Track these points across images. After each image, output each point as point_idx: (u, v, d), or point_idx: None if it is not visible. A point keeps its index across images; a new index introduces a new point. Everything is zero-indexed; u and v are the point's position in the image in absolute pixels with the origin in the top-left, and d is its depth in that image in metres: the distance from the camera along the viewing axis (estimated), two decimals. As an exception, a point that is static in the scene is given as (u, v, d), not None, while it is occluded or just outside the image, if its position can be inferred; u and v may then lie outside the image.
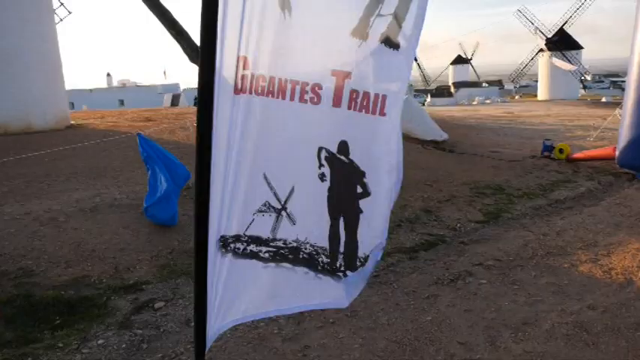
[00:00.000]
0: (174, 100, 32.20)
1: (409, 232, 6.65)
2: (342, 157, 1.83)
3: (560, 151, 11.42)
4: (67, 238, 5.75)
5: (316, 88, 1.77)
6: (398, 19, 1.67)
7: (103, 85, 45.91)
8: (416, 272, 5.33)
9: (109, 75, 46.14)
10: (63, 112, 13.75)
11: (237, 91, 1.80)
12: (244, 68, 1.79)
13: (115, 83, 45.80)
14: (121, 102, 37.88)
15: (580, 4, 42.16)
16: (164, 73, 49.02)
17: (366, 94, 1.73)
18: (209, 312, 1.91)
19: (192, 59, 8.66)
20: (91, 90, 40.77)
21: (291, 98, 1.79)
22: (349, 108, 1.75)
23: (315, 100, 1.78)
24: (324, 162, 1.85)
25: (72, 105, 24.83)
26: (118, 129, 12.43)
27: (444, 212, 7.55)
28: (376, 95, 1.73)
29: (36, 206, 6.52)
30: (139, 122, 13.98)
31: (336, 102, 1.76)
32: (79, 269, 5.20)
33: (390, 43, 1.68)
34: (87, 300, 4.65)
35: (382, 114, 1.74)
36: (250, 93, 1.81)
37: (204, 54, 1.71)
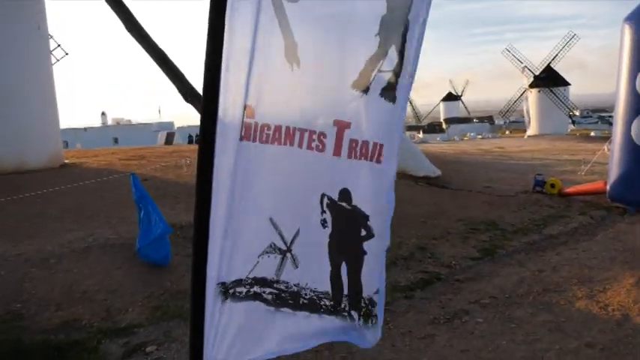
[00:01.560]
0: (169, 138, 32.43)
1: (404, 270, 6.62)
2: (344, 204, 1.90)
3: (552, 185, 11.52)
4: (58, 280, 5.67)
5: (322, 137, 1.85)
6: (396, 74, 1.81)
7: (98, 123, 46.19)
8: (412, 311, 5.27)
9: (103, 114, 46.47)
10: (57, 151, 13.77)
11: (242, 138, 1.84)
12: (249, 117, 1.84)
13: (109, 122, 46.10)
14: (115, 140, 38.04)
15: (565, 42, 43.47)
16: (159, 111, 49.53)
17: (365, 143, 1.83)
18: (205, 358, 1.88)
19: (187, 99, 8.79)
20: (85, 129, 41.00)
21: (300, 145, 1.85)
22: (349, 157, 1.84)
23: (321, 147, 1.85)
24: (325, 208, 1.91)
25: (66, 144, 24.89)
26: (111, 168, 12.43)
27: (438, 249, 7.54)
28: (374, 144, 1.84)
29: (27, 247, 6.45)
30: (133, 161, 14.00)
31: (337, 151, 1.84)
32: (69, 312, 5.11)
33: (388, 96, 1.82)
34: (77, 344, 4.55)
35: (379, 161, 1.85)
36: (255, 141, 1.85)
37: (206, 100, 1.76)
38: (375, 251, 1.91)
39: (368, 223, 1.88)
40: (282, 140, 1.85)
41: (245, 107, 1.84)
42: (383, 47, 1.81)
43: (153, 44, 9.03)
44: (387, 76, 1.81)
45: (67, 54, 20.19)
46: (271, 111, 1.85)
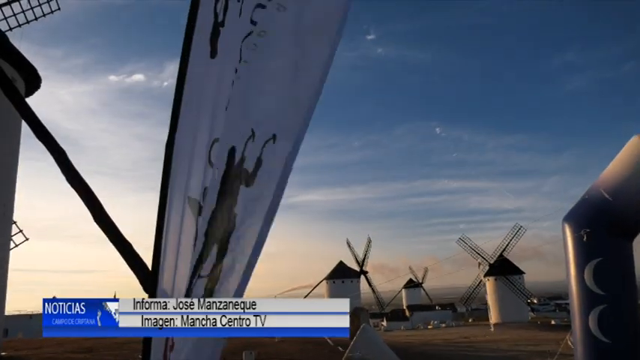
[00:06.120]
0: (121, 327, 30.48)
1: None
2: None
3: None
4: None
5: None
6: (213, 280, 1.75)
7: (46, 309, 43.35)
8: None
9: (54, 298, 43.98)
10: (-5, 343, 12.70)
11: None
12: (171, 351, 1.85)
13: (58, 307, 43.39)
14: (62, 328, 35.40)
15: (514, 233, 46.15)
16: (114, 296, 47.42)
17: None
18: None
19: (148, 290, 8.57)
20: (30, 315, 38.29)
21: None
22: None
23: None
24: None
25: (6, 332, 23.04)
26: (54, 363, 11.42)
27: None
28: None
29: None
30: (79, 353, 12.99)
31: None
32: None
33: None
34: None
35: None
36: None
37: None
38: None
39: None
40: None
41: (167, 341, 1.88)
42: (205, 253, 1.79)
43: (119, 235, 9.09)
44: (204, 281, 1.77)
45: (27, 239, 19.85)
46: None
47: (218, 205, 1.77)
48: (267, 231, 1.62)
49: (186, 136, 1.95)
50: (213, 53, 1.93)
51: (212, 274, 1.74)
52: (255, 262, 1.64)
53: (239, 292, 1.66)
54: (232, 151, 1.75)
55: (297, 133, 1.58)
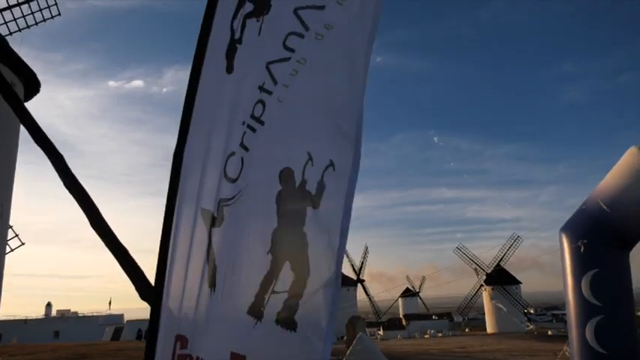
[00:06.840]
0: (116, 334, 30.33)
1: None
2: None
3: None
4: None
5: None
6: (294, 296, 1.56)
7: (41, 314, 43.16)
8: None
9: (49, 305, 43.69)
10: (-11, 349, 12.57)
11: None
12: (182, 347, 1.83)
13: (54, 313, 43.24)
14: (56, 334, 35.23)
15: (511, 243, 46.19)
16: (109, 302, 47.18)
17: None
18: None
19: (144, 298, 8.51)
20: (25, 320, 38.04)
21: None
22: None
23: None
24: None
25: (0, 337, 22.83)
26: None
27: None
28: None
29: None
30: (73, 360, 12.88)
31: None
32: None
33: (285, 323, 1.56)
34: None
35: None
36: None
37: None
38: None
39: None
40: None
41: (176, 338, 1.85)
42: (275, 265, 1.63)
43: (115, 240, 9.05)
44: (283, 297, 1.57)
45: (23, 244, 19.77)
46: (201, 343, 1.81)
47: (281, 224, 1.64)
48: (344, 249, 1.48)
49: (198, 147, 1.94)
50: (230, 69, 1.93)
51: (292, 290, 1.55)
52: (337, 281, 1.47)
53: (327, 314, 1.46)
54: (290, 173, 1.65)
55: (351, 160, 1.51)
